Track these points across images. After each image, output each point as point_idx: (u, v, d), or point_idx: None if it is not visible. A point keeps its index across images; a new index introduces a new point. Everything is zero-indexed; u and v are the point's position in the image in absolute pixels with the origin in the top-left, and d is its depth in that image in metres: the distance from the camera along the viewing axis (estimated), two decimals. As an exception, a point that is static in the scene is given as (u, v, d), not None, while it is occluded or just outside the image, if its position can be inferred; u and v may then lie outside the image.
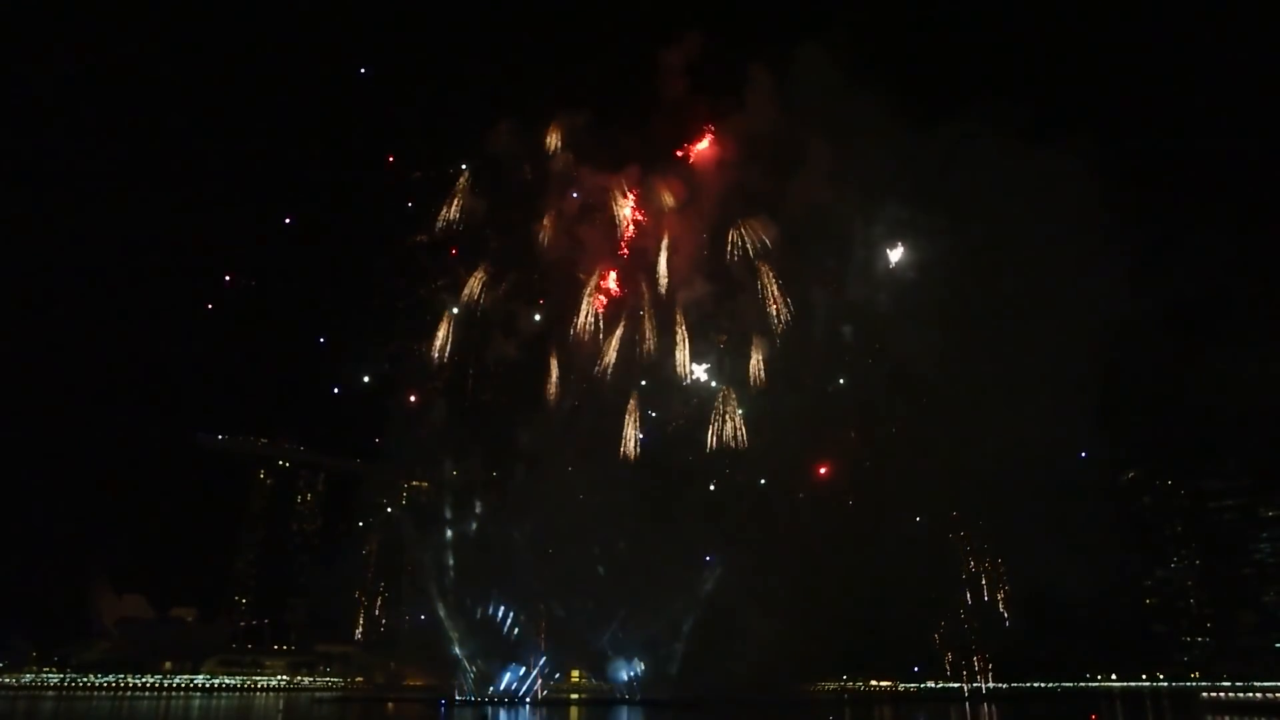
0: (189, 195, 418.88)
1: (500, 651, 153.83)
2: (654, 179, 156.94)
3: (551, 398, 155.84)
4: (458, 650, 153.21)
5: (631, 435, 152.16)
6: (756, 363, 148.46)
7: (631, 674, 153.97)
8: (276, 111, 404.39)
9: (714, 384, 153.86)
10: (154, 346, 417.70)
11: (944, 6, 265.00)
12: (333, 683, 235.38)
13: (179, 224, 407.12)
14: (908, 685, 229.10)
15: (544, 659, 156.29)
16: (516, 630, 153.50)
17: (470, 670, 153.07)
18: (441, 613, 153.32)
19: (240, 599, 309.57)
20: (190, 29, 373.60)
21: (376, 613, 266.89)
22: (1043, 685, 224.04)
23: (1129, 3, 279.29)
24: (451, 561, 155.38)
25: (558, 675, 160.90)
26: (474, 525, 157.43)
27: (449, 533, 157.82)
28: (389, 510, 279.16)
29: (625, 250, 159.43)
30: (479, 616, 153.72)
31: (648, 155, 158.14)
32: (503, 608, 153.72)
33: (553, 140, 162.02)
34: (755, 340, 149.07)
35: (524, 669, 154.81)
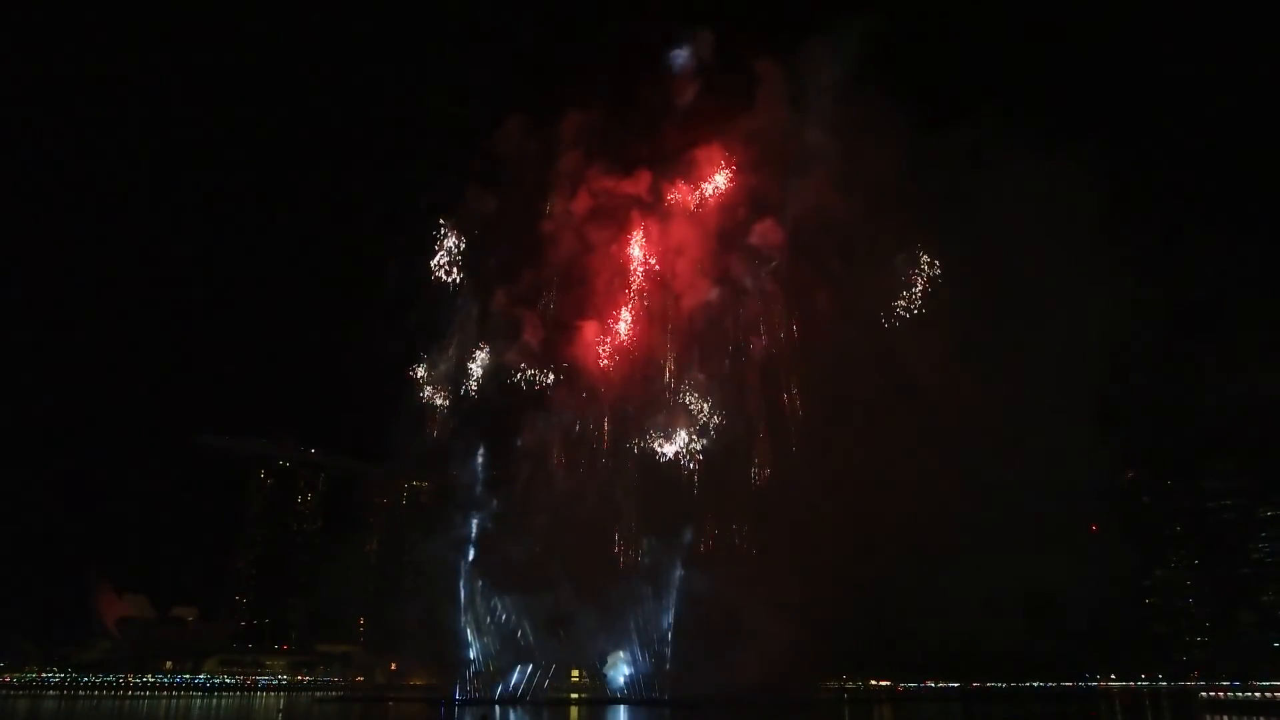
0: (191, 196, 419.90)
1: (505, 651, 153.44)
2: (662, 183, 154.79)
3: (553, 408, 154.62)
4: (461, 650, 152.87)
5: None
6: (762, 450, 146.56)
7: (631, 674, 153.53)
8: (279, 112, 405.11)
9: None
10: (156, 347, 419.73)
11: (953, 13, 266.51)
12: (333, 682, 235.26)
13: (181, 225, 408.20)
14: (908, 685, 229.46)
15: (545, 659, 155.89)
16: (521, 630, 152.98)
17: (475, 670, 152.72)
18: (446, 612, 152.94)
19: (240, 599, 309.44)
20: (197, 30, 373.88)
21: (377, 612, 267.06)
22: (1043, 685, 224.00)
23: (1133, 9, 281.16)
24: (455, 561, 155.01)
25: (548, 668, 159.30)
26: (476, 525, 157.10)
27: (452, 532, 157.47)
28: (389, 510, 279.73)
29: (633, 292, 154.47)
30: (484, 616, 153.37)
31: (658, 159, 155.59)
32: (507, 607, 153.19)
33: (562, 139, 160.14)
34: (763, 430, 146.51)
35: (526, 669, 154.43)
